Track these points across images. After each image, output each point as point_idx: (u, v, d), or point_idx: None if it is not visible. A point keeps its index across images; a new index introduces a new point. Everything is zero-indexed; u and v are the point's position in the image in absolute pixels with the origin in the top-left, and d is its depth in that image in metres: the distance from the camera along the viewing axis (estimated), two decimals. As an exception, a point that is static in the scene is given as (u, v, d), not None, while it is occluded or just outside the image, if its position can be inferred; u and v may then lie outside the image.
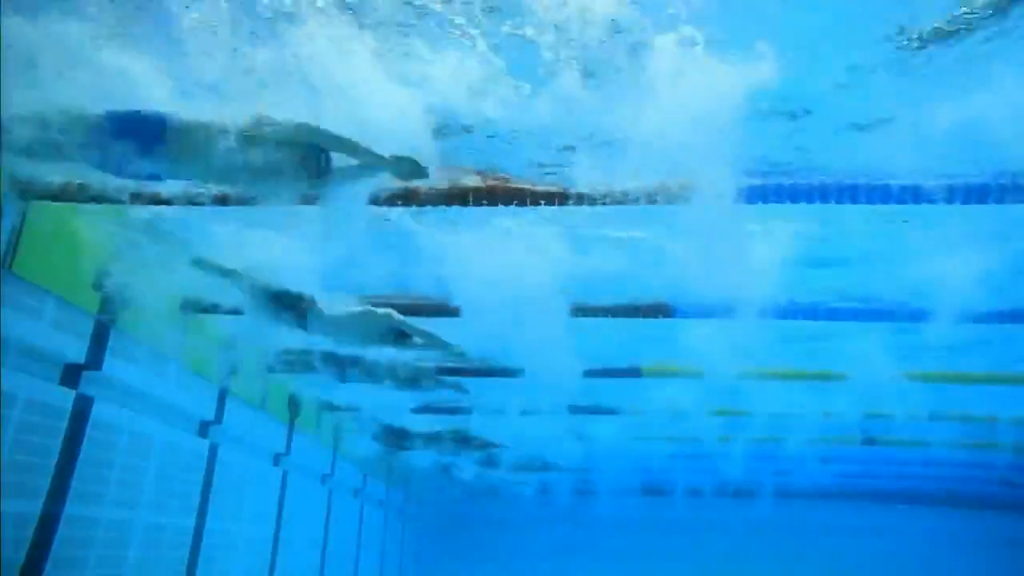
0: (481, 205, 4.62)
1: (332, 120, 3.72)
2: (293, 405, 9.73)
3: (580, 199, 4.54)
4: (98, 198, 4.62)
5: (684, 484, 16.57)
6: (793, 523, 17.46)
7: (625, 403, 9.94)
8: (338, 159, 3.78)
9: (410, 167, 3.78)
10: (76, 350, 5.22)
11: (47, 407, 5.00)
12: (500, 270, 5.71)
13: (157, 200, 4.63)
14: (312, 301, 5.79)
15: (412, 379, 7.70)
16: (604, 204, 4.55)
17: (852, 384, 8.15)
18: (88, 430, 5.39)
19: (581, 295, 6.32)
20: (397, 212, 5.34)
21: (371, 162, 3.75)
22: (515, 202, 4.56)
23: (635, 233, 5.64)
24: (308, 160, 3.63)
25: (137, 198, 4.60)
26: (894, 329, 6.89)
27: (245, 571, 8.22)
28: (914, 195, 4.36)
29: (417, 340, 5.97)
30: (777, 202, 4.54)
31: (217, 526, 7.48)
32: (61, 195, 4.66)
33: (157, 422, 6.42)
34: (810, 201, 4.53)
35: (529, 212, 5.12)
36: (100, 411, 5.53)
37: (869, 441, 11.28)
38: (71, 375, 5.26)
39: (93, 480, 5.44)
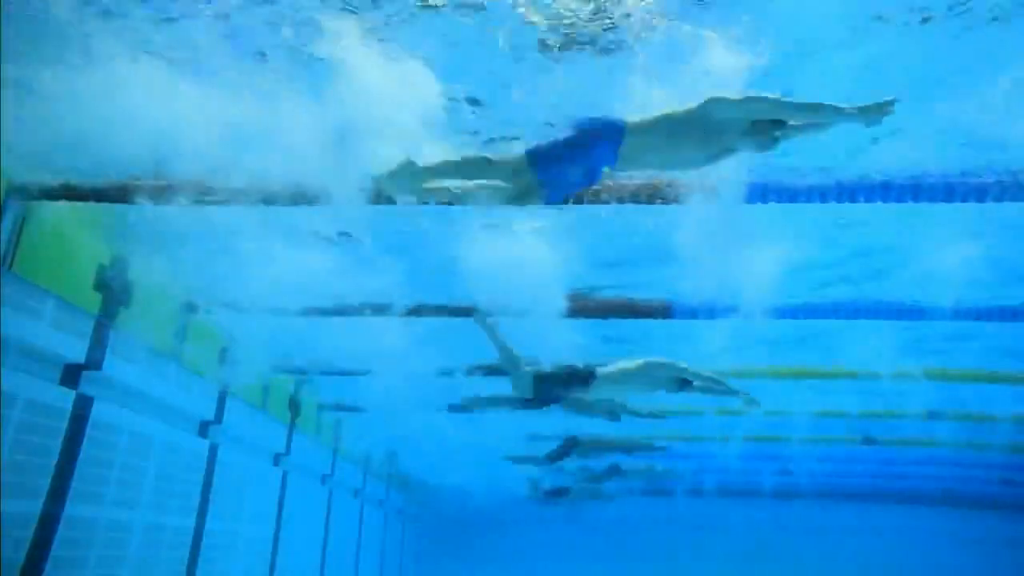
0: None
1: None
2: (293, 405, 9.72)
3: (580, 197, 4.53)
4: (98, 197, 4.62)
5: (683, 484, 16.56)
6: (792, 523, 17.46)
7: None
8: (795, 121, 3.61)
9: (877, 111, 3.36)
10: (76, 350, 5.21)
11: (47, 407, 4.99)
12: (504, 269, 5.72)
13: (159, 198, 4.63)
14: (593, 368, 6.08)
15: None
16: (606, 203, 4.55)
17: (852, 383, 8.17)
18: (88, 430, 5.38)
19: (581, 294, 6.32)
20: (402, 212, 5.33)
21: (834, 117, 3.48)
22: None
23: (636, 231, 5.64)
24: (757, 130, 3.53)
25: (139, 197, 4.60)
26: (895, 327, 6.90)
27: (245, 571, 8.21)
28: (914, 193, 4.37)
29: (698, 384, 6.00)
30: (777, 202, 4.54)
31: (217, 526, 7.47)
32: (61, 195, 4.66)
33: (157, 422, 6.42)
34: (810, 200, 4.54)
35: (527, 211, 5.12)
36: (100, 411, 5.52)
37: (869, 441, 11.28)
38: (71, 375, 5.26)
39: (93, 480, 5.44)
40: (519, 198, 3.83)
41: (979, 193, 4.37)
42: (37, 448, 4.87)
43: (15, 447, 4.64)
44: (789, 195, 4.50)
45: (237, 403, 7.84)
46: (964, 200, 4.37)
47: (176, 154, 4.34)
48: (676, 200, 4.50)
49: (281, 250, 5.74)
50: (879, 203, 4.47)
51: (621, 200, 4.53)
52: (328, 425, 11.46)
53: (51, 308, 4.92)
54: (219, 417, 7.50)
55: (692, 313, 6.37)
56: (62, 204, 4.75)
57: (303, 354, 8.56)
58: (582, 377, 6.12)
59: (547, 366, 6.35)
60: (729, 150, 3.64)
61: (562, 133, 3.74)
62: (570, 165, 3.72)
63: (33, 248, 4.69)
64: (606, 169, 3.79)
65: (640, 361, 6.04)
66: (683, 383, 5.95)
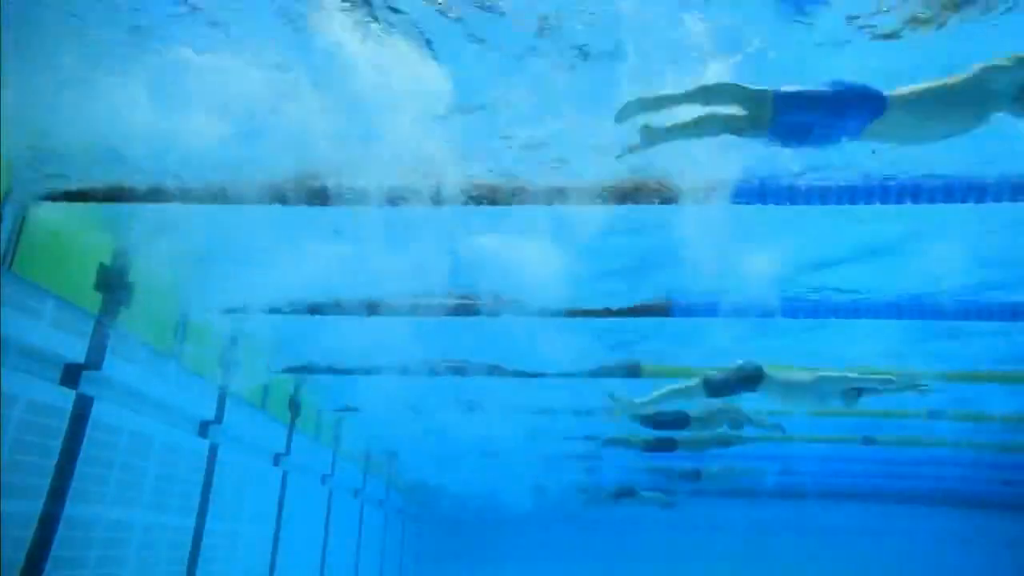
0: (481, 204, 4.62)
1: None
2: (293, 405, 9.73)
3: (580, 197, 4.53)
4: (99, 198, 4.62)
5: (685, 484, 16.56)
6: (792, 523, 17.47)
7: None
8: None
9: None
10: (76, 350, 5.21)
11: (47, 407, 4.99)
12: (503, 267, 5.72)
13: (159, 199, 4.64)
14: (763, 372, 6.25)
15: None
16: (603, 203, 4.55)
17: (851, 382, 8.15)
18: (88, 430, 5.38)
19: (579, 294, 6.32)
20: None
21: None
22: (515, 200, 4.56)
23: (635, 231, 5.63)
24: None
25: (139, 197, 4.61)
26: (895, 327, 6.89)
27: (245, 571, 8.22)
28: (914, 194, 4.37)
29: (872, 388, 6.05)
30: (777, 204, 4.54)
31: (217, 526, 7.47)
32: (61, 195, 4.66)
33: (157, 422, 6.42)
34: (809, 203, 4.53)
35: (525, 211, 5.12)
36: (100, 411, 5.52)
37: (868, 441, 11.28)
38: (71, 375, 5.25)
39: (93, 480, 5.44)
40: (744, 127, 3.60)
41: (979, 193, 4.37)
42: (37, 448, 4.87)
43: (15, 447, 4.64)
44: (789, 197, 4.50)
45: (237, 403, 7.85)
46: (964, 200, 4.38)
47: (177, 150, 4.33)
48: (675, 200, 4.50)
49: (282, 248, 5.74)
50: (878, 204, 4.47)
51: (620, 200, 4.54)
52: (328, 425, 11.47)
53: (51, 308, 4.92)
54: (219, 417, 7.50)
55: (691, 312, 6.37)
56: (62, 204, 4.75)
57: (303, 354, 8.56)
58: (751, 376, 6.24)
59: (714, 372, 6.52)
60: (982, 120, 3.45)
61: (819, 86, 3.49)
62: (811, 119, 3.49)
63: (33, 248, 4.68)
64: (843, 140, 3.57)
65: (812, 374, 6.04)
66: (859, 392, 5.97)
